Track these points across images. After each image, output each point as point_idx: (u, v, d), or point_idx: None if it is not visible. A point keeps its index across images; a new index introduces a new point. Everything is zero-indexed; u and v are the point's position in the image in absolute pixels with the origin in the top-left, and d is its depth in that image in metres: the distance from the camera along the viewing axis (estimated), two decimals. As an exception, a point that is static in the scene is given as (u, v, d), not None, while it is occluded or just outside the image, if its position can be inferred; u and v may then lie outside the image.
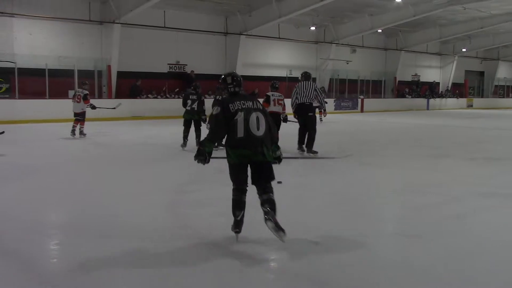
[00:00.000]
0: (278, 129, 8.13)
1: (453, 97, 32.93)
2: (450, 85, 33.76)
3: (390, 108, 27.08)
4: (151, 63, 19.84)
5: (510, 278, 3.58)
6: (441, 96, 32.21)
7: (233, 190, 4.14)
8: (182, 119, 9.88)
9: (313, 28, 24.44)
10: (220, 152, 5.31)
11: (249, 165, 4.10)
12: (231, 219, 4.17)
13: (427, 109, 29.93)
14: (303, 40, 25.21)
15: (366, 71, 27.74)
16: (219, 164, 7.83)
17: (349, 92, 26.45)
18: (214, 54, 21.96)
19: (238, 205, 4.09)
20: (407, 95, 29.81)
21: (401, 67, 29.72)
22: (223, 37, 22.19)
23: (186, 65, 21.03)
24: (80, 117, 11.84)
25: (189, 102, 9.93)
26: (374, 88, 28.23)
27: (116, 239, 4.27)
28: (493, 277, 3.57)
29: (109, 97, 18.31)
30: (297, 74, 24.45)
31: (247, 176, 4.13)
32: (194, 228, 4.60)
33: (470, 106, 33.55)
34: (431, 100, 30.47)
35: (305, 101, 9.05)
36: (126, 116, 17.19)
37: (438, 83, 32.93)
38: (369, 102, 26.34)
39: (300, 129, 9.37)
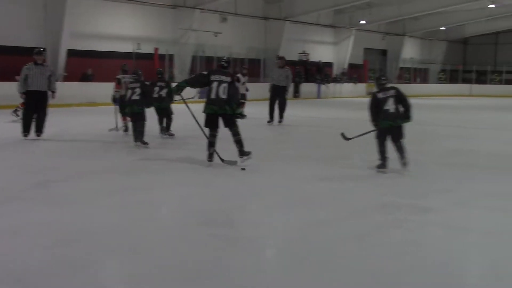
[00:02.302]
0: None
1: (350, 82, 34.84)
2: (346, 67, 35.70)
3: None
4: None
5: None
6: (335, 80, 33.92)
7: (209, 134, 8.54)
8: None
9: (169, -13, 24.53)
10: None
11: (219, 117, 8.51)
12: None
13: (318, 97, 31.42)
14: (155, 3, 25.13)
15: (241, 47, 28.37)
16: (42, 176, 7.51)
17: (219, 74, 26.82)
18: (28, 18, 21.22)
19: (210, 144, 8.53)
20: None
21: (286, 42, 30.77)
22: (41, -5, 21.36)
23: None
24: None
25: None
26: (252, 69, 28.82)
27: None
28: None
29: None
30: (148, 48, 24.50)
31: (217, 125, 8.50)
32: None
33: (370, 93, 35.67)
34: (323, 87, 31.98)
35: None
36: None
37: (328, 64, 34.51)
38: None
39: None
